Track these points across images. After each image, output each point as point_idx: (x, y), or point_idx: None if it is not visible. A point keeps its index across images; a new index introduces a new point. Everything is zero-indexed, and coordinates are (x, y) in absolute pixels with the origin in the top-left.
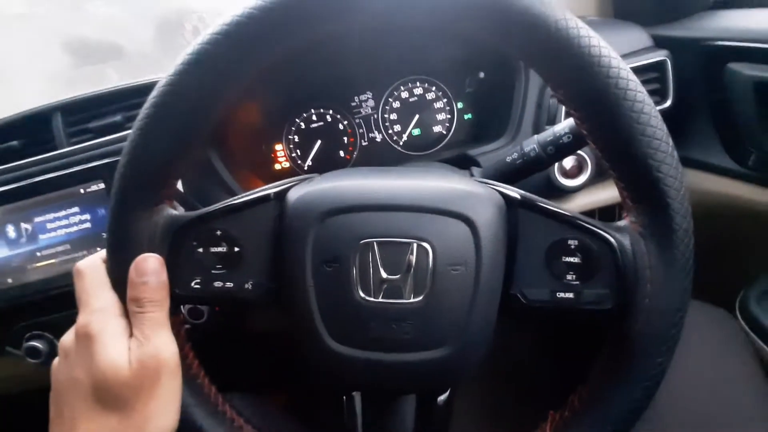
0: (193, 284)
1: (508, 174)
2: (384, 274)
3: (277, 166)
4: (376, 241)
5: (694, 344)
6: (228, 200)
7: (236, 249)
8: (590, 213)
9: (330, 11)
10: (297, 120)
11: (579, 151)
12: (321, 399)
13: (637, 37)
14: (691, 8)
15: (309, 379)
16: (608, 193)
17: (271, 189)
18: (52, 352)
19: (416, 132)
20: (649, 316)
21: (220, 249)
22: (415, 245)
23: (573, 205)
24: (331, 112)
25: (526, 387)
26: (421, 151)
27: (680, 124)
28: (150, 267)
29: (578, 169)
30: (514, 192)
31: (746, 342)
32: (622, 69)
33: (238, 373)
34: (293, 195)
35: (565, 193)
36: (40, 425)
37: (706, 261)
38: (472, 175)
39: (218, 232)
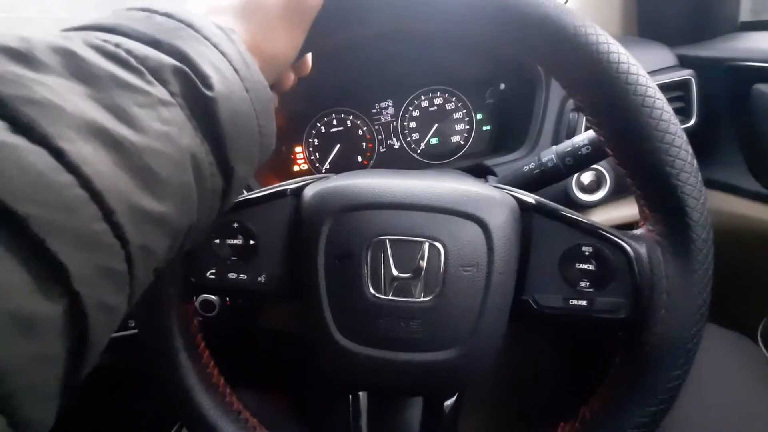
0: (208, 274)
1: (524, 184)
2: (395, 272)
3: (296, 168)
4: (388, 239)
5: (714, 370)
6: (246, 194)
7: (252, 242)
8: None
9: (350, 16)
10: (318, 123)
11: (598, 167)
12: (325, 399)
13: (661, 55)
14: (719, 29)
15: (315, 377)
16: (626, 211)
17: (288, 185)
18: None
19: (434, 141)
20: (666, 328)
21: (236, 241)
22: (427, 244)
23: (594, 218)
24: (351, 117)
25: (535, 398)
26: (438, 160)
27: (705, 144)
28: None
29: (597, 184)
30: (528, 197)
31: None
32: (641, 76)
33: (243, 369)
34: (309, 191)
35: (582, 208)
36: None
37: (728, 285)
38: (487, 182)
39: (235, 225)
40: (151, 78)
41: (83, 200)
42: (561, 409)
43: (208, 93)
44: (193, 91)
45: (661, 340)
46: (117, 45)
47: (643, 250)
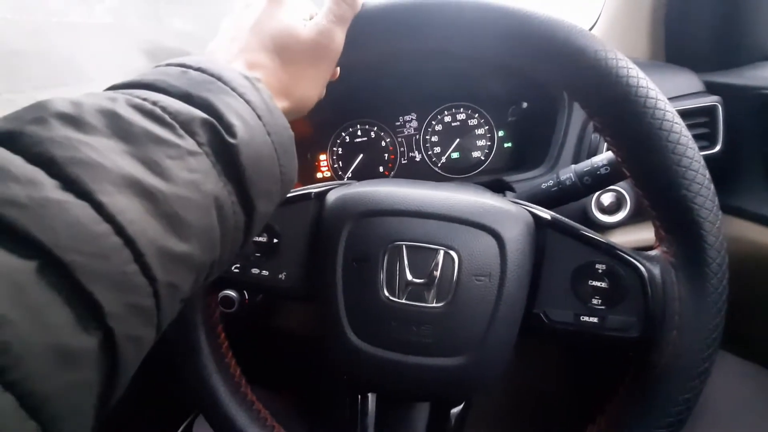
0: (233, 268)
1: (542, 200)
2: (410, 277)
3: (319, 175)
4: (405, 245)
5: (727, 400)
6: None
7: (275, 240)
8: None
9: (402, 29)
10: (342, 133)
11: (618, 188)
12: (333, 399)
13: (688, 81)
14: (747, 58)
15: (325, 377)
16: (645, 234)
17: (312, 189)
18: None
19: (455, 155)
20: (677, 350)
21: (260, 238)
22: (442, 252)
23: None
24: (375, 128)
25: (542, 413)
26: (458, 174)
27: (729, 170)
28: None
29: (617, 206)
30: (544, 213)
31: None
32: (660, 100)
33: (255, 367)
34: (332, 195)
35: (600, 229)
36: None
37: (748, 315)
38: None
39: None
40: (181, 132)
41: (118, 246)
42: (568, 426)
43: (232, 141)
44: (219, 140)
45: (671, 362)
46: (154, 103)
47: (656, 270)
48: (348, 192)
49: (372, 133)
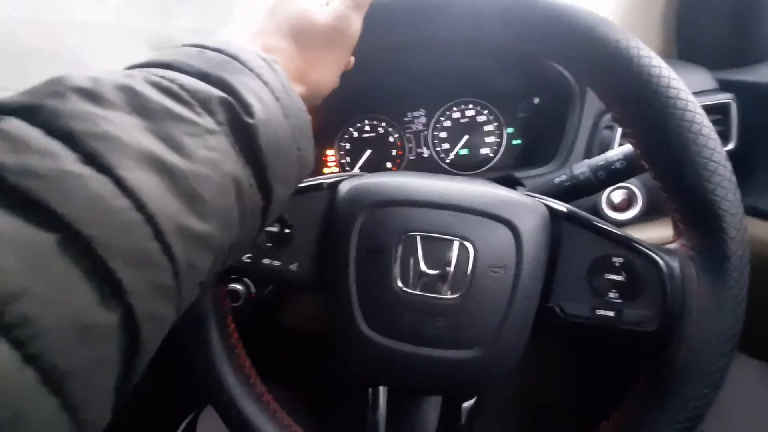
0: (244, 257)
1: (554, 195)
2: (424, 268)
3: (326, 170)
4: (419, 235)
5: (741, 399)
6: None
7: (287, 230)
8: None
9: (419, 16)
10: (350, 128)
11: (630, 185)
12: (344, 392)
13: (701, 78)
14: (761, 55)
15: (335, 372)
16: (657, 233)
17: (324, 179)
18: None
19: (464, 152)
20: (696, 344)
21: (272, 228)
22: (456, 243)
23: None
24: (383, 123)
25: (555, 410)
26: (466, 171)
27: (744, 169)
28: None
29: (627, 203)
30: (560, 205)
31: None
32: (682, 90)
33: (262, 362)
34: (345, 186)
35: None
36: None
37: (761, 315)
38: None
39: None
40: (200, 110)
41: (138, 222)
42: (581, 423)
43: (250, 120)
44: (237, 120)
45: (690, 357)
46: (172, 80)
47: (675, 264)
48: (361, 182)
49: (380, 129)
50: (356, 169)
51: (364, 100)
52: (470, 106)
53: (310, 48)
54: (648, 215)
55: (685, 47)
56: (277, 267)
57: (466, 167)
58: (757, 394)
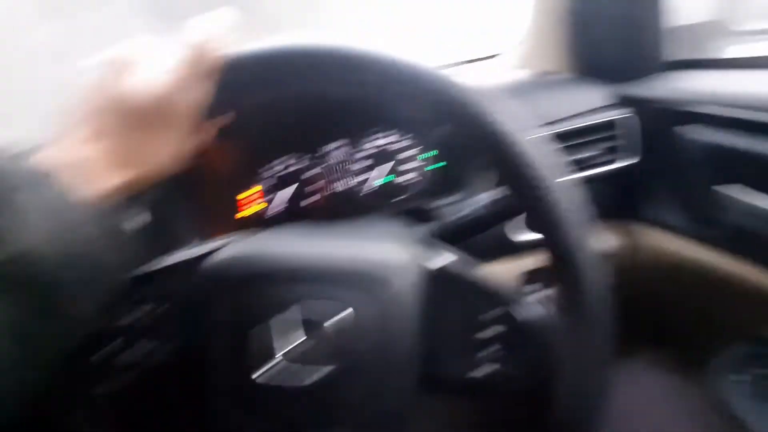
0: (97, 354)
1: (464, 228)
2: (288, 346)
3: (241, 214)
4: (282, 313)
5: (640, 403)
6: (152, 263)
7: (154, 311)
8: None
9: (278, 76)
10: (264, 167)
11: None
12: None
13: (598, 94)
14: (649, 69)
15: None
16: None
17: (191, 253)
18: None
19: (385, 180)
20: (570, 389)
21: (138, 313)
22: (324, 317)
23: (530, 262)
24: (299, 159)
25: None
26: (387, 200)
27: (643, 183)
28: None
29: None
30: (439, 260)
31: (718, 414)
32: (518, 142)
33: None
34: (209, 262)
35: (521, 248)
36: None
37: (676, 328)
38: (424, 230)
39: (137, 295)
40: None
41: None
42: None
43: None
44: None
45: (567, 403)
46: None
47: (546, 315)
48: (223, 258)
49: (297, 165)
50: (275, 209)
51: (277, 137)
52: (390, 134)
53: (138, 128)
54: None
55: (584, 63)
56: (141, 351)
57: (387, 196)
58: (650, 394)
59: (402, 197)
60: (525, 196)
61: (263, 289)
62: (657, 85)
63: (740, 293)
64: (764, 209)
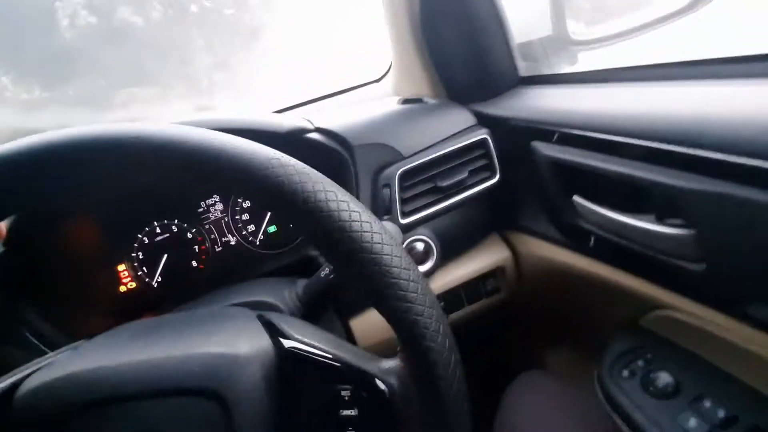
0: None
1: (323, 289)
2: None
3: (123, 288)
4: None
5: (535, 415)
6: None
7: None
8: (455, 290)
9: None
10: (139, 236)
11: (425, 238)
12: None
13: (463, 117)
14: (501, 87)
15: None
16: (467, 269)
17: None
18: None
19: (272, 229)
20: None
21: None
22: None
23: (435, 285)
24: (176, 221)
25: None
26: (278, 249)
27: (512, 195)
28: None
29: (424, 255)
30: (286, 342)
31: (606, 418)
32: (354, 211)
33: None
34: (19, 392)
35: None
36: None
37: (560, 332)
38: (296, 287)
39: None
40: None
41: None
42: None
43: None
44: None
45: None
46: None
47: (397, 384)
48: (30, 388)
49: (174, 228)
50: (158, 279)
51: (148, 203)
52: None
53: None
54: (446, 259)
55: (448, 86)
56: None
57: (277, 245)
58: (545, 406)
59: (297, 241)
60: (352, 277)
61: (87, 418)
62: (509, 103)
63: (609, 293)
64: (609, 217)
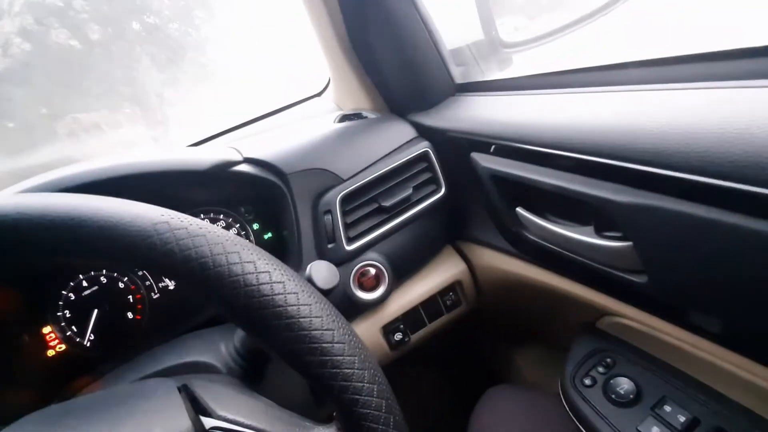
0: None
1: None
2: None
3: (51, 352)
4: None
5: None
6: None
7: None
8: (414, 310)
9: None
10: (63, 292)
11: (377, 263)
12: None
13: (403, 130)
14: (439, 96)
15: None
16: (424, 287)
17: None
18: None
19: None
20: None
21: None
22: None
23: (393, 308)
24: (104, 271)
25: None
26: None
27: (462, 206)
28: None
29: (376, 280)
30: (207, 421)
31: (575, 427)
32: (262, 272)
33: None
34: None
35: (366, 306)
36: None
37: (525, 338)
38: (235, 338)
39: None
40: None
41: None
42: None
43: None
44: None
45: None
46: None
47: None
48: None
49: (102, 278)
50: (90, 336)
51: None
52: (203, 215)
53: None
54: (400, 279)
55: (388, 99)
56: None
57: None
58: (516, 415)
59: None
60: (269, 346)
61: None
62: (446, 113)
63: (561, 300)
64: (550, 230)
